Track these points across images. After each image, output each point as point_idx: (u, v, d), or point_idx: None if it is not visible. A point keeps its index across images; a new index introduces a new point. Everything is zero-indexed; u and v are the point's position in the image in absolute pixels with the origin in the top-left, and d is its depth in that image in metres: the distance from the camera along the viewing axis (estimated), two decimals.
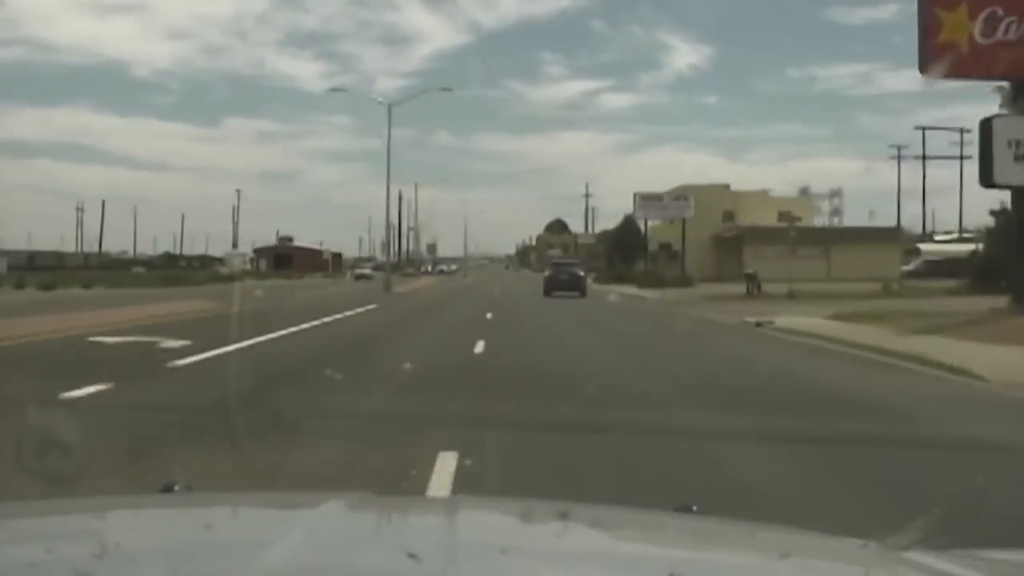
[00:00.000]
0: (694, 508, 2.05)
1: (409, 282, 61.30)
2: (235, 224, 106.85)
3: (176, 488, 2.05)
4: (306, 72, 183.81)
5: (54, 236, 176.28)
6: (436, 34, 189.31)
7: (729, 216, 63.08)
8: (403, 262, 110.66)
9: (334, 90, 41.21)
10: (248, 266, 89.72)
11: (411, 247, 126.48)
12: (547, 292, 38.59)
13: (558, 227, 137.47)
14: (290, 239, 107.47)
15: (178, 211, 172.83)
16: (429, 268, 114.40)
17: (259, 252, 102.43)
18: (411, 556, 1.35)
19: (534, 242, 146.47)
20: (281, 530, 1.56)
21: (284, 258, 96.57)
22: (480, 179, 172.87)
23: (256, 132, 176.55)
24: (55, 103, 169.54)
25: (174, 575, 1.36)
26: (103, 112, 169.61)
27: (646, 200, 61.62)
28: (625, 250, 68.95)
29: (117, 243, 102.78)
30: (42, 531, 1.67)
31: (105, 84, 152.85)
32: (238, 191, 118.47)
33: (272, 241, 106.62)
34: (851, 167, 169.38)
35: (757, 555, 1.68)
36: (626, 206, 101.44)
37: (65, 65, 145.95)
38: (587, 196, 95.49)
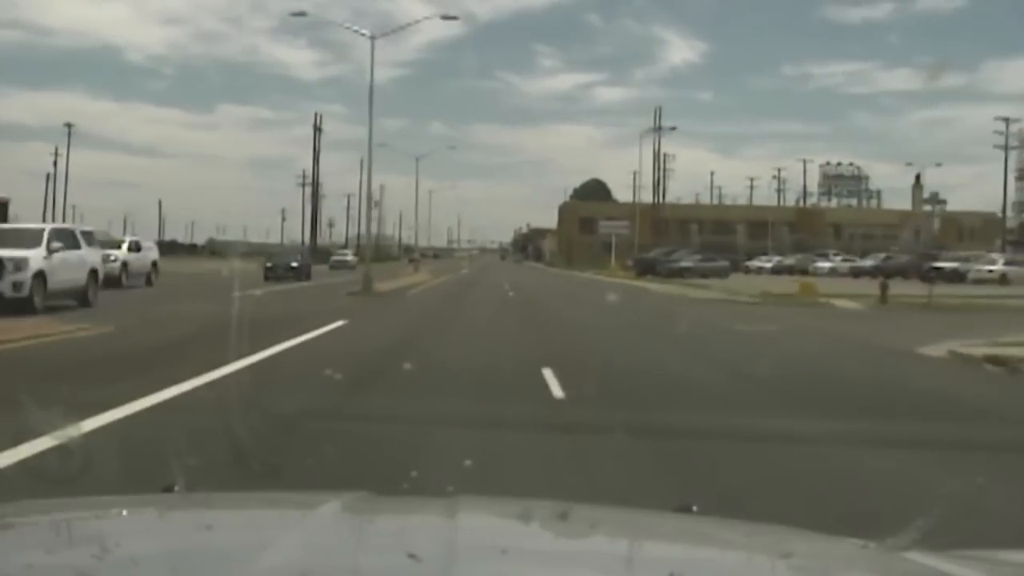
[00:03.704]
0: (694, 508, 2.05)
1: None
2: (53, 194, 74.25)
3: (176, 488, 2.05)
4: (299, 60, 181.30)
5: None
6: (431, 24, 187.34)
7: None
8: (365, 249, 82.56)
9: (296, 15, 32.72)
10: None
11: (373, 231, 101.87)
12: None
13: (596, 190, 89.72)
14: None
15: (170, 197, 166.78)
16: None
17: None
18: (411, 556, 1.36)
19: (527, 228, 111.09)
20: (281, 530, 1.56)
21: None
22: (473, 171, 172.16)
23: (250, 119, 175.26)
24: (49, 87, 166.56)
25: (174, 575, 1.36)
26: (98, 97, 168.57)
27: None
28: None
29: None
30: (42, 531, 1.67)
31: (99, 68, 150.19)
32: (67, 142, 73.82)
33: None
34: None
35: (757, 555, 1.67)
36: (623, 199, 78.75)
37: (60, 49, 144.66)
38: (658, 128, 64.27)
